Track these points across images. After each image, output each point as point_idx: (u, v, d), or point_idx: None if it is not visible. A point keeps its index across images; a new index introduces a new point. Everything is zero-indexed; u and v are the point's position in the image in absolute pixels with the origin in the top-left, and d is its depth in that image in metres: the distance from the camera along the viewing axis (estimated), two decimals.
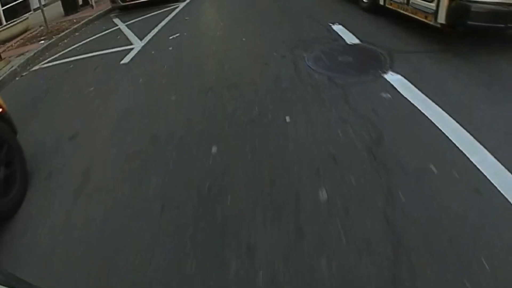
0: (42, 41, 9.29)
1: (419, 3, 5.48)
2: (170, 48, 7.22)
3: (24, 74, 7.37)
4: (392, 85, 4.23)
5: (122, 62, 6.77)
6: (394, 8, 6.30)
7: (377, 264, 2.21)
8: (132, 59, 6.90)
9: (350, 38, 5.95)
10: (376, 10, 7.10)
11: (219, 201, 2.90)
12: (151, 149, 3.77)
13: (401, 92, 4.06)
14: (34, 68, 7.61)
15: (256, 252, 2.41)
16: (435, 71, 4.54)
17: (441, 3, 4.83)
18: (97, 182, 3.44)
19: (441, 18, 4.88)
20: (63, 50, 8.61)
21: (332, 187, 2.84)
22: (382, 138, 3.35)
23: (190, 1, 12.27)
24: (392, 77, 4.42)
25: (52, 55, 8.34)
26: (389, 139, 3.32)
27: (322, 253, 2.34)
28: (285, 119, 3.88)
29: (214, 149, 3.55)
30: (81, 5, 13.96)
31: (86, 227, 2.92)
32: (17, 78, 7.15)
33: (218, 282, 2.27)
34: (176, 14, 10.58)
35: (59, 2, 13.58)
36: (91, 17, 11.66)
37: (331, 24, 6.70)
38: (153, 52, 7.19)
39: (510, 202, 2.47)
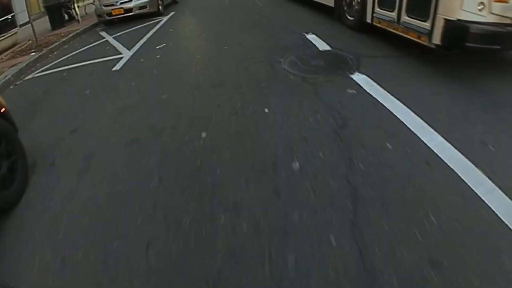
0: (33, 53, 9.61)
1: (411, 22, 5.19)
2: (158, 56, 7.72)
3: (18, 83, 7.68)
4: (357, 83, 4.81)
5: (113, 69, 7.23)
6: (383, 27, 6.00)
7: (339, 214, 2.71)
8: (123, 66, 7.36)
9: (323, 46, 6.57)
10: (363, 29, 6.89)
11: (209, 172, 3.39)
12: (147, 137, 4.24)
13: (365, 88, 4.63)
14: (27, 78, 7.93)
15: (241, 208, 2.90)
16: (397, 71, 5.11)
17: (436, 23, 4.57)
18: (99, 164, 3.88)
19: (436, 39, 4.61)
20: (54, 61, 8.98)
21: (303, 160, 3.38)
22: (346, 123, 3.90)
23: (172, 15, 12.94)
24: (358, 77, 5.00)
25: (44, 66, 8.68)
26: (352, 124, 3.87)
27: (295, 207, 2.83)
28: (264, 110, 4.42)
29: (203, 134, 4.06)
30: (67, 20, 14.34)
31: (91, 202, 3.32)
32: (11, 87, 7.45)
33: (209, 231, 2.73)
34: (160, 26, 11.13)
35: (45, 18, 13.97)
36: (78, 31, 12.07)
37: (305, 34, 7.32)
38: (142, 60, 7.67)
39: (455, 172, 2.96)
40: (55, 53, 9.92)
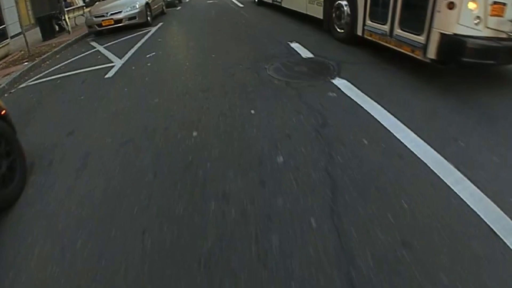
0: (26, 63, 9.76)
1: (404, 36, 5.08)
2: (149, 64, 8.01)
3: (12, 91, 7.82)
4: (337, 87, 5.15)
5: (106, 76, 7.47)
6: (374, 40, 5.92)
7: (319, 201, 2.98)
8: (115, 73, 7.61)
9: (306, 53, 6.95)
10: (353, 41, 6.82)
11: (201, 166, 3.66)
12: (141, 137, 4.48)
13: (345, 91, 4.97)
14: (21, 86, 8.08)
15: (230, 197, 3.16)
16: (375, 76, 5.46)
17: (431, 37, 4.48)
18: (96, 163, 4.09)
19: (431, 53, 4.52)
20: (47, 70, 9.16)
21: (287, 154, 3.66)
22: (327, 122, 4.21)
23: (160, 26, 13.35)
24: (339, 81, 5.35)
25: (37, 74, 8.85)
26: (332, 123, 4.19)
27: (279, 195, 3.10)
28: (251, 112, 4.72)
29: (194, 133, 4.34)
30: (58, 31, 14.58)
31: (89, 196, 3.51)
32: (5, 95, 7.56)
33: (201, 217, 2.98)
34: (149, 37, 11.47)
35: (35, 29, 14.23)
36: (69, 41, 12.29)
37: (289, 43, 7.69)
38: (133, 67, 7.93)
39: (426, 164, 3.25)
40: (48, 62, 10.11)
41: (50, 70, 9.15)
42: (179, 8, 20.57)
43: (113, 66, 8.23)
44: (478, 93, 4.54)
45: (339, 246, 2.55)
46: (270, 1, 13.33)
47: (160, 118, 4.96)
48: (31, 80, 8.51)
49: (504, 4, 4.06)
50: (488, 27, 4.15)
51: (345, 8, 6.96)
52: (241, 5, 16.38)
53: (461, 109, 4.18)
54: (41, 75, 8.80)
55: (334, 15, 7.44)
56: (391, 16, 5.36)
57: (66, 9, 14.89)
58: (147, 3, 13.79)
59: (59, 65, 9.44)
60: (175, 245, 2.76)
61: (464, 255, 2.37)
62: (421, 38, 4.70)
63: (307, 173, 3.36)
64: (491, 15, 4.10)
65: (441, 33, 4.35)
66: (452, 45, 4.25)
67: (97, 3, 14.62)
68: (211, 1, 21.49)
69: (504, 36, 4.16)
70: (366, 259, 2.42)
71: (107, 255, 2.77)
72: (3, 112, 4.00)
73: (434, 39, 4.44)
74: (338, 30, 7.34)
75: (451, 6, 4.18)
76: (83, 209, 3.34)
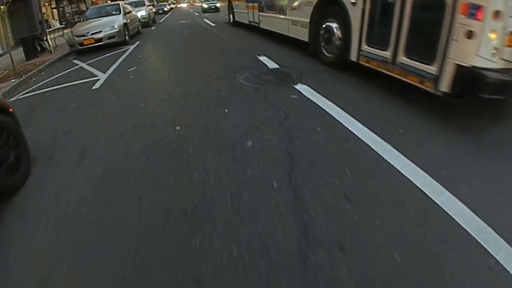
0: (13, 80, 10.30)
1: (411, 64, 4.61)
2: (131, 77, 8.79)
3: None
4: (299, 91, 6.06)
5: (93, 88, 8.17)
6: (373, 67, 5.42)
7: (280, 171, 3.76)
8: (101, 85, 8.32)
9: (272, 65, 7.92)
10: (345, 67, 6.46)
11: (184, 151, 4.43)
12: (132, 132, 5.20)
13: (305, 94, 5.87)
14: (11, 99, 8.51)
15: (209, 170, 3.93)
16: (331, 81, 6.41)
17: (445, 68, 4.05)
18: (93, 153, 4.74)
19: (445, 86, 4.08)
20: (35, 85, 9.71)
21: (255, 140, 4.49)
22: (288, 117, 5.07)
23: (138, 44, 14.27)
24: (300, 86, 6.26)
25: (25, 90, 9.37)
26: (293, 117, 5.05)
27: (248, 168, 3.89)
28: (224, 111, 5.55)
29: (178, 128, 5.12)
30: (40, 51, 15.18)
31: (89, 178, 4.12)
32: None
33: (186, 185, 3.73)
34: (129, 54, 12.30)
35: (19, 50, 14.76)
36: (52, 60, 12.89)
37: (257, 56, 8.65)
38: (117, 80, 8.67)
39: (368, 145, 4.03)
40: (34, 79, 10.62)
41: (37, 85, 9.68)
42: (153, 28, 21.49)
43: (98, 80, 8.92)
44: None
45: (295, 200, 3.26)
46: (247, 22, 13.33)
47: (146, 118, 5.71)
48: (20, 94, 9.02)
49: None
50: (502, 59, 3.77)
51: (335, 31, 6.58)
52: (213, 25, 17.27)
53: (415, 108, 5.10)
54: (29, 89, 9.32)
55: (321, 38, 7.06)
56: (395, 41, 4.89)
57: (48, 30, 15.53)
58: (125, 23, 14.65)
59: (46, 81, 10.00)
60: (165, 205, 3.44)
61: (397, 209, 2.96)
62: (432, 69, 4.27)
63: (271, 152, 4.17)
64: (507, 46, 3.73)
65: (458, 65, 3.93)
66: (470, 78, 3.81)
67: (78, 23, 15.40)
68: (184, 21, 22.58)
69: None
70: (316, 209, 3.11)
71: (108, 217, 3.32)
72: (10, 110, 4.58)
73: (449, 71, 4.02)
74: (327, 54, 6.96)
75: (470, 35, 3.79)
76: (84, 188, 3.91)
